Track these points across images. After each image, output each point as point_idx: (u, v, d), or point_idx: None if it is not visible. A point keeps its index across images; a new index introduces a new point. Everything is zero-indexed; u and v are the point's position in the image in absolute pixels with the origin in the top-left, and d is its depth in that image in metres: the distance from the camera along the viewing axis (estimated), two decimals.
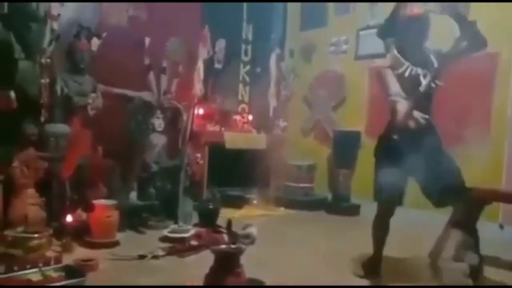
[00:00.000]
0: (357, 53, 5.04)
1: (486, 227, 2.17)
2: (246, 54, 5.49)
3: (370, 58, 4.79)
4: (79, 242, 2.79)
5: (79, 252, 2.63)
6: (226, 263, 1.94)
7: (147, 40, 4.21)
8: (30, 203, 2.76)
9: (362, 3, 4.98)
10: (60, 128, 3.25)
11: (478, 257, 2.16)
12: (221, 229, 3.16)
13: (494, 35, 2.16)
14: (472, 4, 3.64)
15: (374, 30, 4.66)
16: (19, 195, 2.76)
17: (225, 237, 2.93)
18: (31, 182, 2.81)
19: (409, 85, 2.20)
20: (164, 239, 3.01)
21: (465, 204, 2.09)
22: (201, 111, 4.38)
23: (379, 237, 2.42)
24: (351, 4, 5.11)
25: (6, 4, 2.94)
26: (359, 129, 4.74)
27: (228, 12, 5.01)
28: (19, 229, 2.51)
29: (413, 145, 2.13)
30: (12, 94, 2.80)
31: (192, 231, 3.12)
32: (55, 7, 3.27)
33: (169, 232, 3.08)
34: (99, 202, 2.96)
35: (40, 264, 2.08)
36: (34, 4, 3.10)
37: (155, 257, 2.63)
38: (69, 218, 2.85)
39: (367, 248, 2.50)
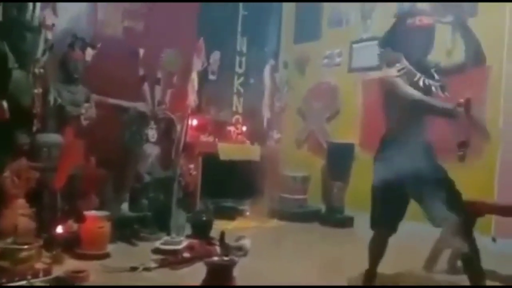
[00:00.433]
0: (351, 66, 5.08)
1: (479, 240, 2.17)
2: (240, 66, 5.53)
3: (363, 70, 4.85)
4: (69, 253, 2.74)
5: (70, 264, 2.59)
6: (219, 276, 1.92)
7: (141, 51, 4.22)
8: (20, 214, 2.73)
9: (355, 17, 5.04)
10: (53, 138, 3.22)
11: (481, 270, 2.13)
12: (214, 241, 3.15)
13: (484, 47, 2.18)
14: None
15: (367, 43, 4.83)
16: (9, 205, 2.72)
17: (218, 249, 2.92)
18: (21, 192, 2.78)
19: (424, 94, 2.13)
20: (156, 251, 2.97)
21: (460, 217, 2.07)
22: (195, 122, 4.38)
23: (375, 253, 2.37)
24: (345, 17, 5.17)
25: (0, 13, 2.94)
26: (353, 141, 4.76)
27: (222, 25, 5.05)
28: (9, 240, 2.47)
29: (413, 166, 2.06)
30: (5, 104, 2.79)
31: (185, 243, 3.08)
32: (49, 17, 3.28)
33: (162, 244, 3.05)
34: (90, 213, 2.93)
35: (29, 276, 2.04)
36: (28, 14, 3.10)
37: (147, 269, 2.60)
38: (59, 229, 2.81)
39: (362, 261, 2.48)
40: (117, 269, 2.55)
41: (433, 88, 2.15)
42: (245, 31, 5.50)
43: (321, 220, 4.68)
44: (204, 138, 4.61)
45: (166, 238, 3.21)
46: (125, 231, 3.28)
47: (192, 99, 3.95)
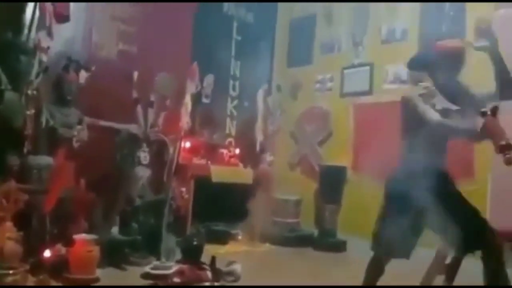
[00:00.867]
0: (342, 91, 5.16)
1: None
2: (234, 89, 5.59)
3: (355, 95, 4.95)
4: (57, 278, 2.68)
5: None
6: None
7: (135, 74, 4.25)
8: (7, 237, 2.66)
9: (347, 43, 5.14)
10: (43, 160, 3.19)
11: None
12: (204, 266, 3.10)
13: (478, 64, 2.17)
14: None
15: (359, 69, 4.91)
16: None
17: (209, 274, 2.87)
18: (9, 215, 2.73)
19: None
20: (146, 275, 2.92)
21: (493, 246, 1.96)
22: (188, 144, 4.38)
23: (371, 277, 2.30)
24: (337, 44, 5.28)
25: None
26: (345, 164, 4.78)
27: (216, 49, 5.13)
28: None
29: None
30: None
31: (175, 267, 3.03)
32: (44, 40, 3.30)
33: (151, 268, 2.99)
34: (79, 236, 2.88)
35: None
36: (23, 36, 3.12)
37: None
38: (47, 253, 2.75)
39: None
40: None
41: (452, 114, 2.07)
42: (239, 55, 5.58)
43: (314, 245, 4.64)
44: (196, 160, 4.60)
45: (156, 262, 3.15)
46: (115, 255, 3.22)
47: (185, 121, 3.97)
